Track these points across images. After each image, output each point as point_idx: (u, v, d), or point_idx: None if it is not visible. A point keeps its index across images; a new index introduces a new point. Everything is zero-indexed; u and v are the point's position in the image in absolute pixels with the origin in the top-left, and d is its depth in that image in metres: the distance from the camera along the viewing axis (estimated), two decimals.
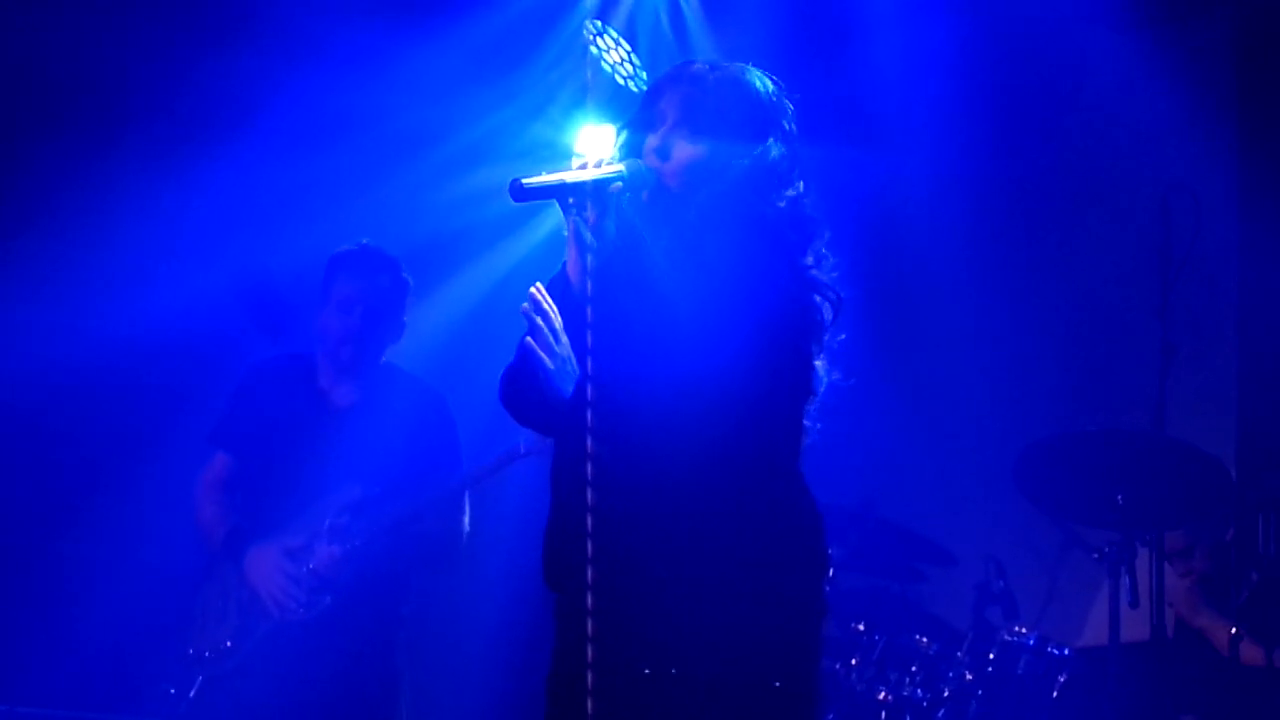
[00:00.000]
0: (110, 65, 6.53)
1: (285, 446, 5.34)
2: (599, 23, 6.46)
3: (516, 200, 3.33)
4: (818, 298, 3.41)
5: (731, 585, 3.29)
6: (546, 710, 3.43)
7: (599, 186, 3.32)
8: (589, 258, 3.35)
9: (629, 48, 6.45)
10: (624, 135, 3.47)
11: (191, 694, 5.18)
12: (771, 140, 3.45)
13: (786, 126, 3.50)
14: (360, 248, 5.47)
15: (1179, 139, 6.86)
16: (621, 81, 6.26)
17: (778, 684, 3.29)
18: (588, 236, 3.34)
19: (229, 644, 5.20)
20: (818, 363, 3.42)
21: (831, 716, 5.84)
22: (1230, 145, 6.91)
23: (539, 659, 3.52)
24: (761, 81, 3.52)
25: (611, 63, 6.39)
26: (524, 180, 3.31)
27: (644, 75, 5.82)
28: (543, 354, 3.34)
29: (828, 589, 3.42)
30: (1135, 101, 7.02)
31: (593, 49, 6.52)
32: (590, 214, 3.33)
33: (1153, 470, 5.32)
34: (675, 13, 6.84)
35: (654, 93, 3.52)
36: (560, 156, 3.88)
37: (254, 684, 5.13)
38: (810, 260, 3.43)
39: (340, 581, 5.16)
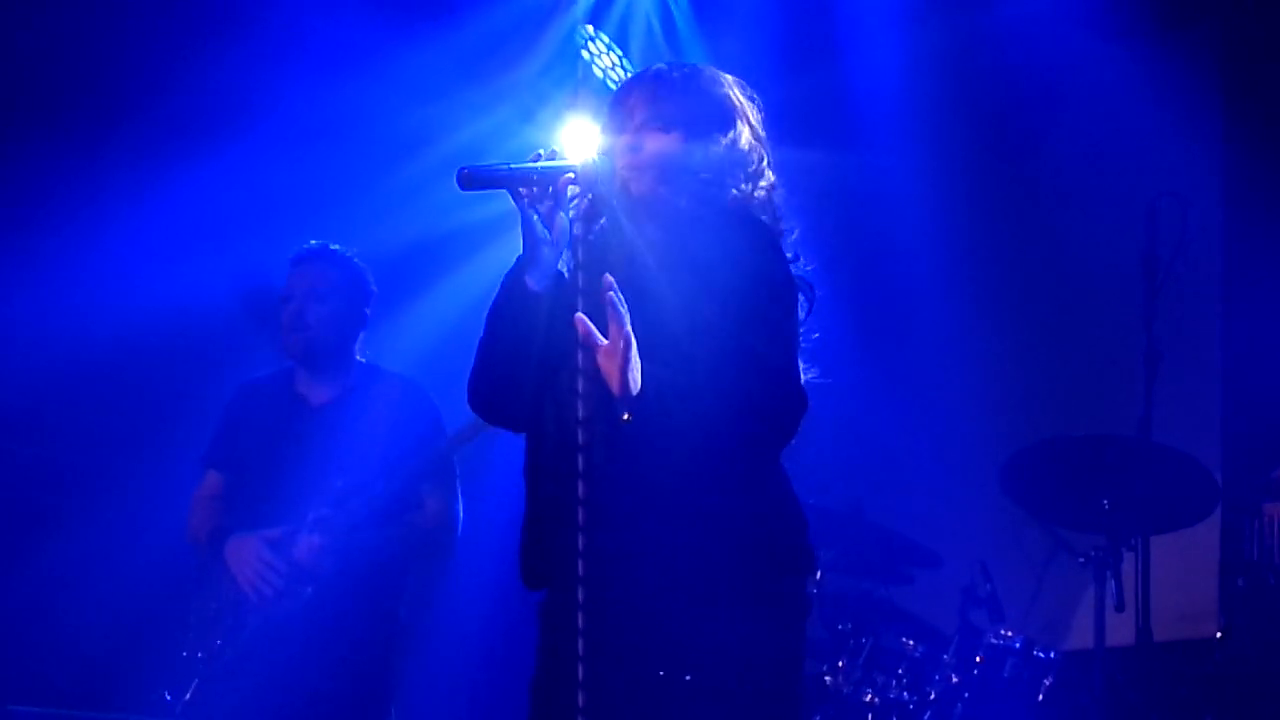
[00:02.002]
0: (102, 64, 6.54)
1: (268, 453, 5.36)
2: (591, 28, 6.49)
3: (463, 189, 3.31)
4: (800, 296, 3.43)
5: (716, 586, 3.28)
6: (530, 713, 3.42)
7: (548, 176, 3.33)
8: (544, 250, 3.37)
9: (620, 53, 6.49)
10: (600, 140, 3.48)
11: (186, 697, 5.18)
12: (741, 126, 3.47)
13: (753, 121, 3.52)
14: (307, 247, 5.52)
15: (1166, 147, 6.88)
16: (613, 86, 6.28)
17: (762, 685, 3.30)
18: (539, 229, 3.36)
19: (219, 643, 5.21)
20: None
21: (818, 718, 5.85)
22: (1216, 153, 6.92)
23: (522, 661, 3.53)
24: (728, 78, 3.55)
25: (603, 68, 6.42)
26: (471, 169, 3.31)
27: None
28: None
29: (813, 590, 3.44)
30: (1122, 109, 7.04)
31: (584, 54, 6.55)
32: (543, 206, 3.34)
33: (1138, 475, 5.34)
34: (666, 18, 6.87)
35: (621, 96, 3.54)
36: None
37: (245, 683, 5.14)
38: (790, 255, 3.45)
39: (322, 573, 5.17)
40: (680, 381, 3.22)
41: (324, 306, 5.41)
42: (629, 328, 3.12)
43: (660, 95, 3.47)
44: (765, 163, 3.50)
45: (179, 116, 6.64)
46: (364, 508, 5.19)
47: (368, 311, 5.49)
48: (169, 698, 5.21)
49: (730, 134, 3.46)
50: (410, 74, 6.59)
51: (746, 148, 3.47)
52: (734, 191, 3.43)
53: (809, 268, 3.47)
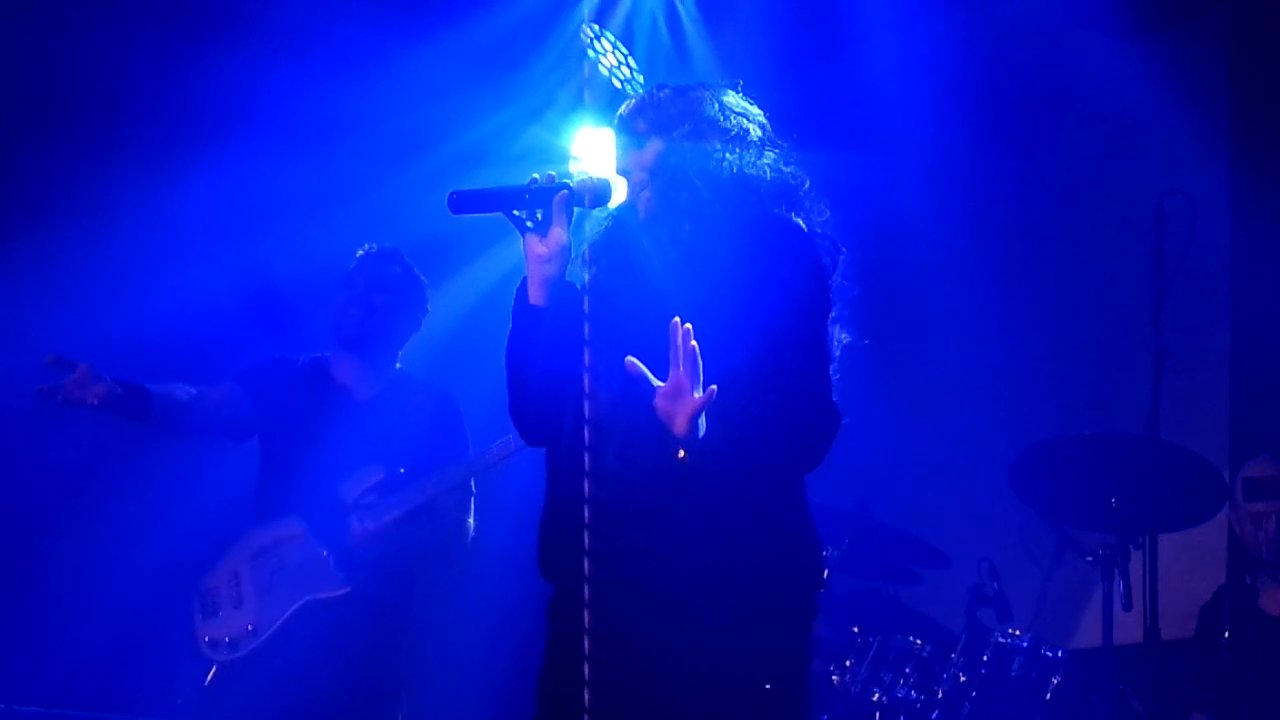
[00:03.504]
0: (109, 67, 6.54)
1: (305, 432, 5.38)
2: (596, 26, 6.48)
3: (454, 212, 3.38)
4: (825, 257, 3.48)
5: (725, 589, 3.31)
6: (537, 709, 3.46)
7: (540, 195, 3.39)
8: (546, 268, 3.41)
9: (626, 51, 6.47)
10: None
11: (205, 682, 5.19)
12: (706, 106, 3.53)
13: (726, 99, 3.57)
14: (378, 248, 5.61)
15: (1173, 145, 6.87)
16: (619, 85, 6.28)
17: (768, 686, 3.32)
18: (537, 247, 3.40)
19: (250, 628, 5.21)
20: (835, 329, 3.49)
21: (825, 718, 5.85)
22: (1224, 151, 6.92)
23: (530, 658, 3.54)
24: (699, 84, 3.62)
25: (609, 66, 6.42)
26: (460, 192, 3.37)
27: (641, 79, 5.84)
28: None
29: (820, 593, 3.45)
30: (1130, 107, 7.04)
31: (590, 52, 6.54)
32: (540, 225, 3.40)
33: (1146, 474, 5.34)
34: (672, 16, 6.86)
35: (620, 121, 3.59)
36: (557, 160, 3.91)
37: (269, 669, 5.15)
38: (806, 215, 3.50)
39: (371, 560, 5.21)
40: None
41: (385, 297, 5.50)
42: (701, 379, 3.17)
43: (628, 119, 3.56)
44: (750, 125, 3.55)
45: (186, 118, 6.64)
46: (406, 499, 5.25)
47: (421, 319, 5.61)
48: (187, 690, 5.21)
49: (695, 113, 3.52)
50: (416, 75, 6.59)
51: (718, 118, 3.52)
52: (716, 161, 3.47)
53: (826, 215, 3.53)
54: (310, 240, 6.10)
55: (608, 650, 3.29)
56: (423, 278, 5.63)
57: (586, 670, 3.26)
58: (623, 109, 3.59)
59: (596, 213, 3.50)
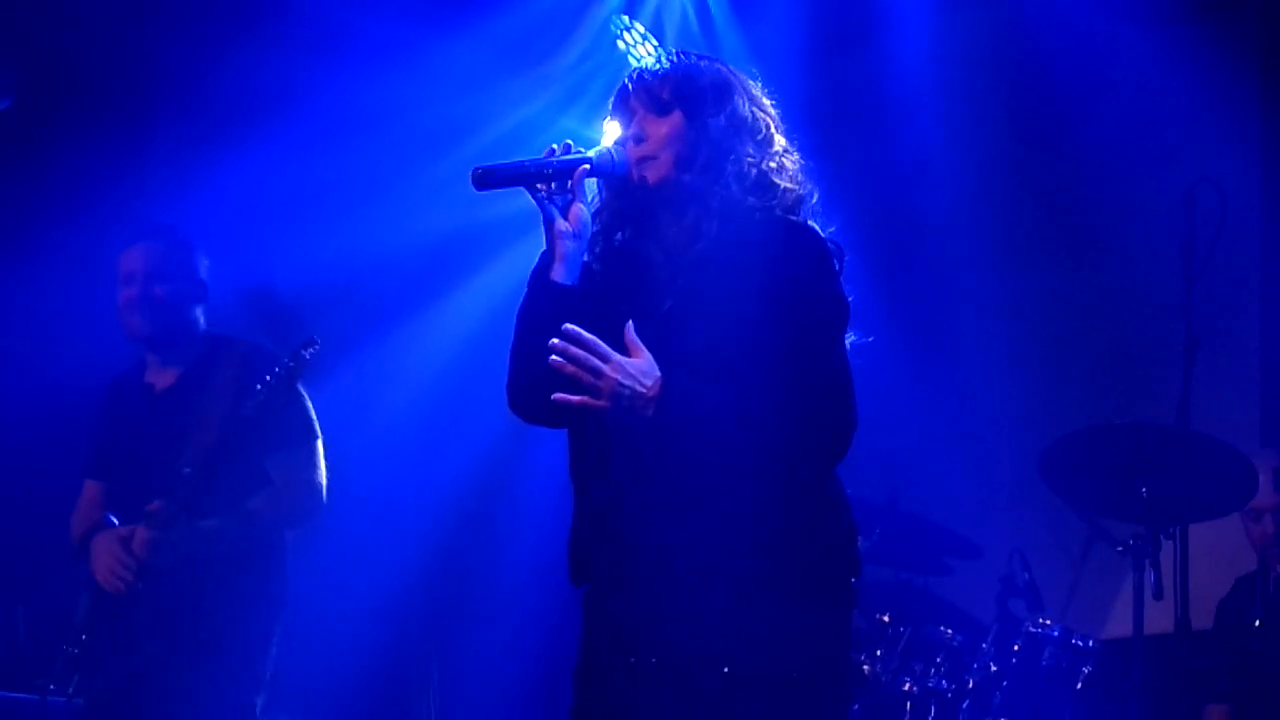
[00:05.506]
0: (141, 63, 6.57)
1: (131, 451, 5.22)
2: (626, 18, 6.50)
3: (479, 188, 3.37)
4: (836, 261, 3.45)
5: (759, 581, 3.30)
6: (573, 703, 3.45)
7: (564, 170, 3.38)
8: (568, 244, 3.40)
9: (656, 42, 6.49)
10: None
11: (70, 690, 5.10)
12: (738, 98, 3.48)
13: (754, 93, 3.53)
14: (139, 225, 5.35)
15: (1204, 132, 6.85)
16: None
17: (805, 678, 3.30)
18: (560, 223, 3.40)
19: (84, 638, 5.12)
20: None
21: (857, 708, 5.86)
22: (1255, 139, 6.88)
23: (567, 652, 3.55)
24: (720, 63, 3.58)
25: (639, 57, 6.43)
26: (484, 168, 3.36)
27: None
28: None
29: (856, 580, 3.44)
30: (1161, 95, 7.01)
31: (620, 43, 6.56)
32: (561, 199, 3.40)
33: (1177, 463, 5.32)
34: (701, 6, 6.86)
35: (620, 97, 3.53)
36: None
37: (109, 672, 5.04)
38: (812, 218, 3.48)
39: (157, 567, 4.97)
40: (713, 388, 3.25)
41: (167, 285, 5.22)
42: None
43: (653, 84, 3.48)
44: (774, 129, 3.51)
45: (218, 112, 6.66)
46: (193, 496, 4.99)
47: (205, 281, 5.30)
48: (52, 688, 5.13)
49: (729, 105, 3.47)
50: (447, 67, 6.60)
51: (749, 116, 3.48)
52: (749, 162, 3.43)
53: (831, 229, 3.49)
54: (343, 232, 6.11)
55: (641, 646, 3.30)
56: (189, 236, 5.32)
57: (613, 669, 3.26)
58: (647, 70, 3.51)
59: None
